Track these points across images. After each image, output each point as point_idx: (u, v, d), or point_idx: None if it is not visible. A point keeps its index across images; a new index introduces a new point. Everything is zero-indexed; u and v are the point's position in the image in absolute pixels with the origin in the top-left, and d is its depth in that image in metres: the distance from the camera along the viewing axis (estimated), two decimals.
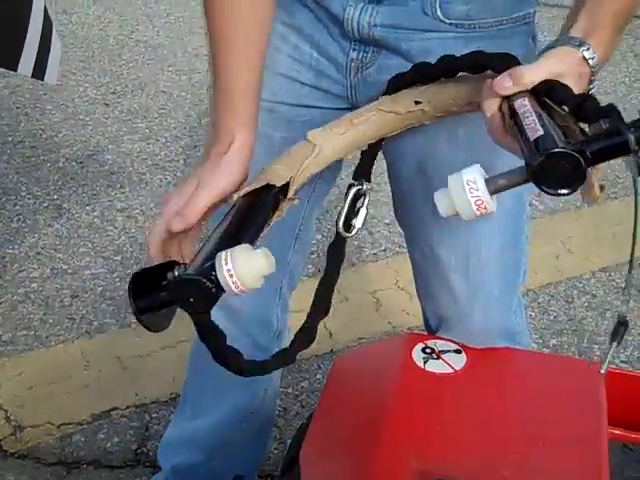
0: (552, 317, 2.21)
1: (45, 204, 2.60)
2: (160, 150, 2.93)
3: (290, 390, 1.93)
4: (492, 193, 0.74)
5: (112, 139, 2.99)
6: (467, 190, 0.73)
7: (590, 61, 0.85)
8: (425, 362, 1.15)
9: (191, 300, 0.75)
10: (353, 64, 1.10)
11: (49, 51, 1.98)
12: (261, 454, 1.57)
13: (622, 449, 1.08)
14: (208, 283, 0.73)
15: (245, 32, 0.98)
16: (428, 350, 1.20)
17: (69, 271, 2.30)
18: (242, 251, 0.74)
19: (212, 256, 0.74)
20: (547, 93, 0.80)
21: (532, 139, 0.72)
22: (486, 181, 0.74)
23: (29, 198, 2.63)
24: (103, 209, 2.59)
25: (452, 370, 1.17)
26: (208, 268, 0.73)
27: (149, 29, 3.83)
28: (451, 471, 0.93)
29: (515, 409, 1.11)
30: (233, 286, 0.73)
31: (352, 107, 1.17)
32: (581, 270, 2.40)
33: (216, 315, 1.34)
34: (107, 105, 3.22)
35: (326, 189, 1.30)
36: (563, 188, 0.71)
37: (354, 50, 1.09)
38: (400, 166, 1.20)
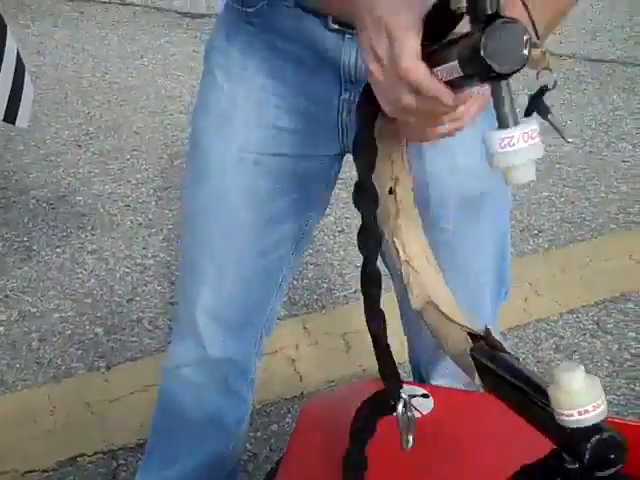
0: (521, 359, 2.22)
1: (15, 246, 2.59)
2: (132, 192, 2.93)
3: (259, 434, 1.93)
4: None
5: (84, 180, 2.99)
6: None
7: None
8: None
9: None
10: (345, 105, 1.10)
11: (21, 95, 1.99)
12: None
13: None
14: None
15: None
16: None
17: (37, 314, 2.29)
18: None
19: None
20: None
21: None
22: None
23: None
24: (73, 251, 2.58)
25: (420, 414, 1.17)
26: None
27: (122, 71, 3.85)
28: None
29: (484, 453, 1.11)
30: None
31: (343, 152, 1.18)
32: (549, 312, 2.42)
33: (192, 369, 1.35)
34: (79, 146, 3.23)
35: (309, 239, 1.31)
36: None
37: (346, 90, 1.09)
38: None
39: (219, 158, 1.18)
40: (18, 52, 1.98)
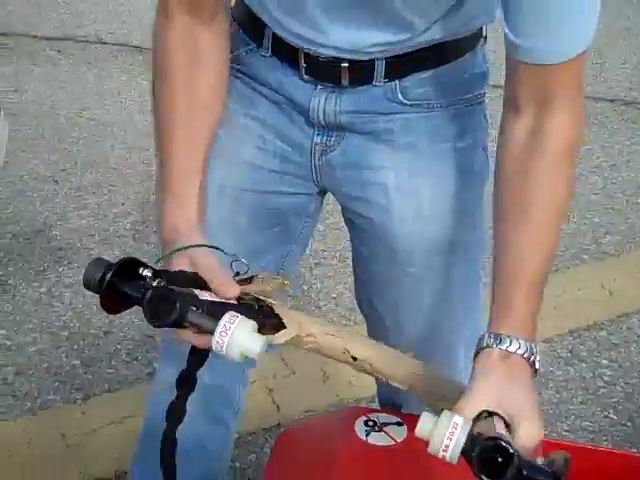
0: None
1: None
2: (109, 226, 2.94)
3: (238, 464, 1.92)
4: None
5: (60, 215, 2.99)
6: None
7: (511, 349, 0.86)
8: (367, 434, 1.17)
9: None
10: (317, 147, 1.15)
11: None
12: None
13: None
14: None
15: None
16: (370, 423, 1.22)
17: (13, 347, 2.28)
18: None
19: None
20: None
21: None
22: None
23: None
24: (50, 285, 2.57)
25: (393, 442, 1.19)
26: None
27: (99, 107, 3.87)
28: None
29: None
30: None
31: (320, 190, 1.22)
32: None
33: None
34: (56, 182, 3.23)
35: (292, 269, 1.33)
36: None
37: (318, 135, 1.14)
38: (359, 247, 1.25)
39: None
40: None
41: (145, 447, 1.46)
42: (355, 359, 1.01)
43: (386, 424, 1.22)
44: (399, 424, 1.23)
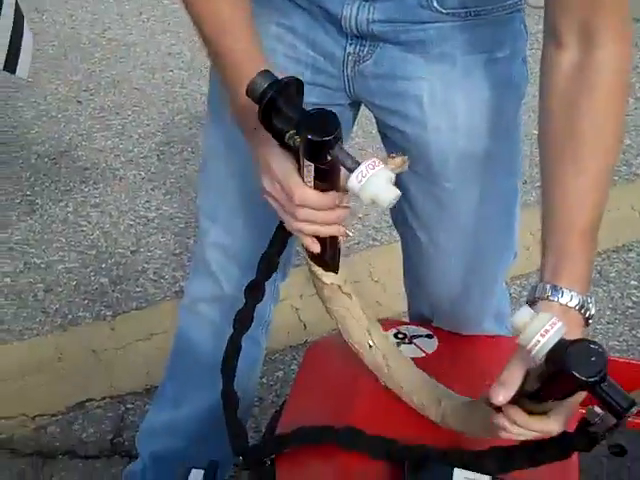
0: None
1: (18, 200, 2.59)
2: (134, 146, 2.92)
3: (265, 380, 1.95)
4: None
5: (85, 136, 2.98)
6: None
7: (571, 304, 0.84)
8: (398, 346, 1.17)
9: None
10: (350, 58, 1.11)
11: (20, 44, 1.97)
12: None
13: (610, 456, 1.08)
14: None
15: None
16: (400, 335, 1.22)
17: (42, 265, 2.30)
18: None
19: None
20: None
21: None
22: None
23: (1, 194, 2.61)
24: (76, 205, 2.58)
25: (424, 354, 1.19)
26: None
27: (121, 27, 3.81)
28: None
29: (484, 391, 1.13)
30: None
31: (351, 101, 1.19)
32: None
33: (210, 305, 1.36)
34: (80, 102, 3.21)
35: None
36: None
37: (351, 44, 1.10)
38: None
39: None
40: (17, 3, 1.96)
41: (176, 363, 1.47)
42: (371, 346, 1.03)
43: (416, 336, 1.22)
44: (429, 337, 1.23)
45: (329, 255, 0.96)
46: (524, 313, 0.75)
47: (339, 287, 0.99)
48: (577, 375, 0.69)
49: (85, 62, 3.52)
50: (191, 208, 2.52)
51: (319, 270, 0.98)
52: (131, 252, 2.37)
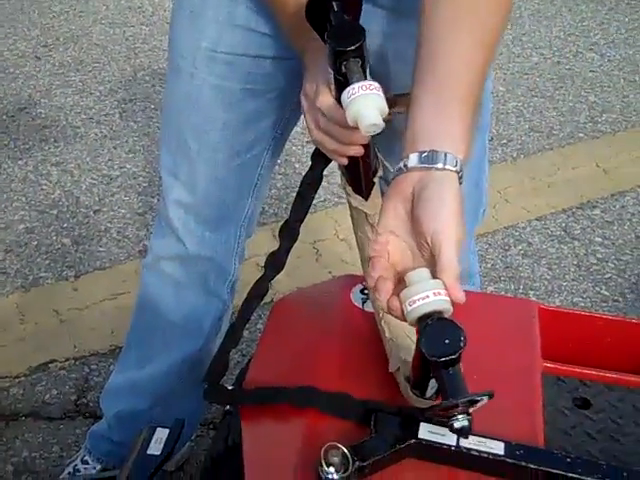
0: (489, 265, 2.25)
1: None
2: (94, 104, 2.86)
3: None
4: None
5: (44, 93, 2.91)
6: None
7: (451, 167, 0.76)
8: (364, 303, 1.16)
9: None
10: None
11: None
12: (203, 403, 1.56)
13: (556, 381, 1.11)
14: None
15: None
16: (367, 291, 1.21)
17: (2, 225, 2.25)
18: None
19: None
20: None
21: None
22: None
23: None
24: (37, 163, 2.52)
25: None
26: None
27: None
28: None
29: (477, 351, 1.12)
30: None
31: None
32: (517, 219, 2.44)
33: (173, 263, 1.34)
34: (38, 58, 3.13)
35: (286, 138, 1.29)
36: None
37: None
38: None
39: (189, 55, 1.15)
40: None
41: (139, 322, 1.45)
42: None
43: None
44: None
45: (355, 177, 0.96)
46: (423, 273, 0.75)
47: (366, 215, 0.98)
48: (423, 350, 0.70)
49: (43, 17, 3.43)
50: (155, 166, 2.48)
51: (349, 188, 0.98)
52: (94, 211, 2.32)
